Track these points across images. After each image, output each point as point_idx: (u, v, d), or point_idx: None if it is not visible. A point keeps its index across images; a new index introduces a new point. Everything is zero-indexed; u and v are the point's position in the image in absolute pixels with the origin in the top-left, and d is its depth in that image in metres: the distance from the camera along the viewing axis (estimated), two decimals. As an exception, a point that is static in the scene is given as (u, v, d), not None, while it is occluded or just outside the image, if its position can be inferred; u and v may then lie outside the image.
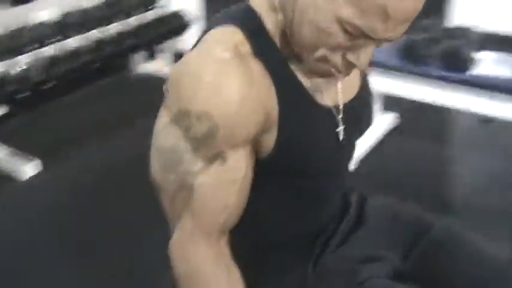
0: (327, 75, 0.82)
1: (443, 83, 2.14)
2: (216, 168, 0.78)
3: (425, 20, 2.26)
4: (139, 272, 1.80)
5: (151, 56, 3.62)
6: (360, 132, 0.99)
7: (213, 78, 0.75)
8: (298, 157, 0.85)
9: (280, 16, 0.81)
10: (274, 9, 0.82)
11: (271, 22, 0.82)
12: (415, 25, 0.77)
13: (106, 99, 3.25)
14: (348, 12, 0.70)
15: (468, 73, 2.11)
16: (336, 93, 0.91)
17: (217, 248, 0.83)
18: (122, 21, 3.11)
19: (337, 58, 0.78)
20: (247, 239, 0.89)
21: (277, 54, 0.82)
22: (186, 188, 0.79)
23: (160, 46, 3.52)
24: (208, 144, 0.77)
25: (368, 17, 0.69)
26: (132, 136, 2.67)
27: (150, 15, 3.29)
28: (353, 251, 1.01)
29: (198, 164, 0.78)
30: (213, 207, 0.81)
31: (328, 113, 0.89)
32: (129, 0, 3.21)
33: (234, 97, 0.75)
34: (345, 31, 0.72)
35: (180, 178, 0.79)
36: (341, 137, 0.91)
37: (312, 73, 0.84)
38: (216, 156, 0.78)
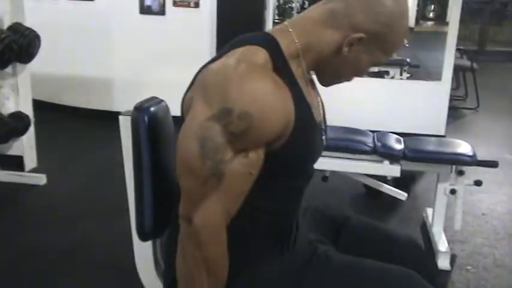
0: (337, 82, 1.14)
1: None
2: (239, 160, 0.94)
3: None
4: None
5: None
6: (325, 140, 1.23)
7: (256, 85, 0.93)
8: (297, 159, 1.05)
9: (298, 45, 1.03)
10: (290, 39, 1.03)
11: (285, 46, 1.02)
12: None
13: None
14: (384, 58, 1.08)
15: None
16: (317, 109, 1.11)
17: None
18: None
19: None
20: (236, 226, 1.01)
21: (291, 73, 1.02)
22: (216, 175, 0.94)
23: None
24: (241, 140, 0.93)
25: (395, 50, 1.10)
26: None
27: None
28: (306, 237, 1.23)
29: (230, 154, 0.94)
30: (236, 192, 0.97)
31: (319, 126, 1.09)
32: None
33: (271, 104, 0.94)
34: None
35: (215, 166, 0.93)
36: (324, 144, 1.17)
37: (325, 84, 1.14)
38: (242, 150, 0.94)
